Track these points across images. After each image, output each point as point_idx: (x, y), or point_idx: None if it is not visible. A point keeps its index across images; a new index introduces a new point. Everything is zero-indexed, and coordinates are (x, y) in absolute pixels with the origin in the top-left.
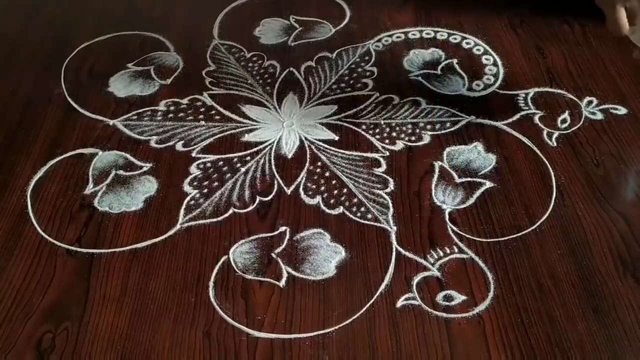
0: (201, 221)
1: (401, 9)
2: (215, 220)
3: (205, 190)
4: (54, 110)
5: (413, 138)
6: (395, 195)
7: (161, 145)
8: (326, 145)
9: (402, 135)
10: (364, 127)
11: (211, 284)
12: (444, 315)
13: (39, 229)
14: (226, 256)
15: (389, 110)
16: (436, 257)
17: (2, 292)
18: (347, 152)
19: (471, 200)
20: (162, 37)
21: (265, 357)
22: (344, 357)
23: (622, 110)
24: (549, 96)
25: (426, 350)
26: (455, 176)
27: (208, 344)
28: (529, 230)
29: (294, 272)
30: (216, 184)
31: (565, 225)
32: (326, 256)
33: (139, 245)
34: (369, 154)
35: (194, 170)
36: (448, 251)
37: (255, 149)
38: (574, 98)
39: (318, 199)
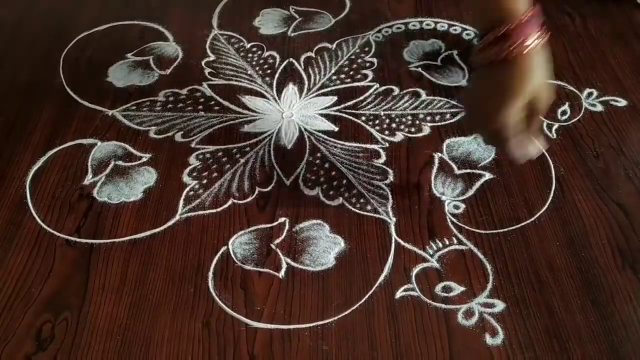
0: (200, 212)
1: (401, 0)
2: (214, 211)
3: (205, 181)
4: (53, 100)
5: (413, 129)
6: (394, 187)
7: (160, 136)
8: (326, 136)
9: (402, 127)
10: (363, 118)
11: (210, 274)
12: (443, 306)
13: (38, 219)
14: (225, 247)
15: (389, 101)
16: (435, 248)
17: (1, 281)
18: (346, 143)
19: (471, 192)
20: (162, 27)
21: (265, 348)
22: (343, 347)
23: (622, 102)
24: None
25: (425, 341)
26: (455, 168)
27: (207, 334)
28: (528, 221)
29: (293, 263)
30: (215, 174)
31: (564, 217)
32: (325, 247)
33: (138, 236)
34: (368, 145)
35: (193, 161)
36: (447, 242)
37: (254, 140)
38: (574, 90)
39: (317, 190)
